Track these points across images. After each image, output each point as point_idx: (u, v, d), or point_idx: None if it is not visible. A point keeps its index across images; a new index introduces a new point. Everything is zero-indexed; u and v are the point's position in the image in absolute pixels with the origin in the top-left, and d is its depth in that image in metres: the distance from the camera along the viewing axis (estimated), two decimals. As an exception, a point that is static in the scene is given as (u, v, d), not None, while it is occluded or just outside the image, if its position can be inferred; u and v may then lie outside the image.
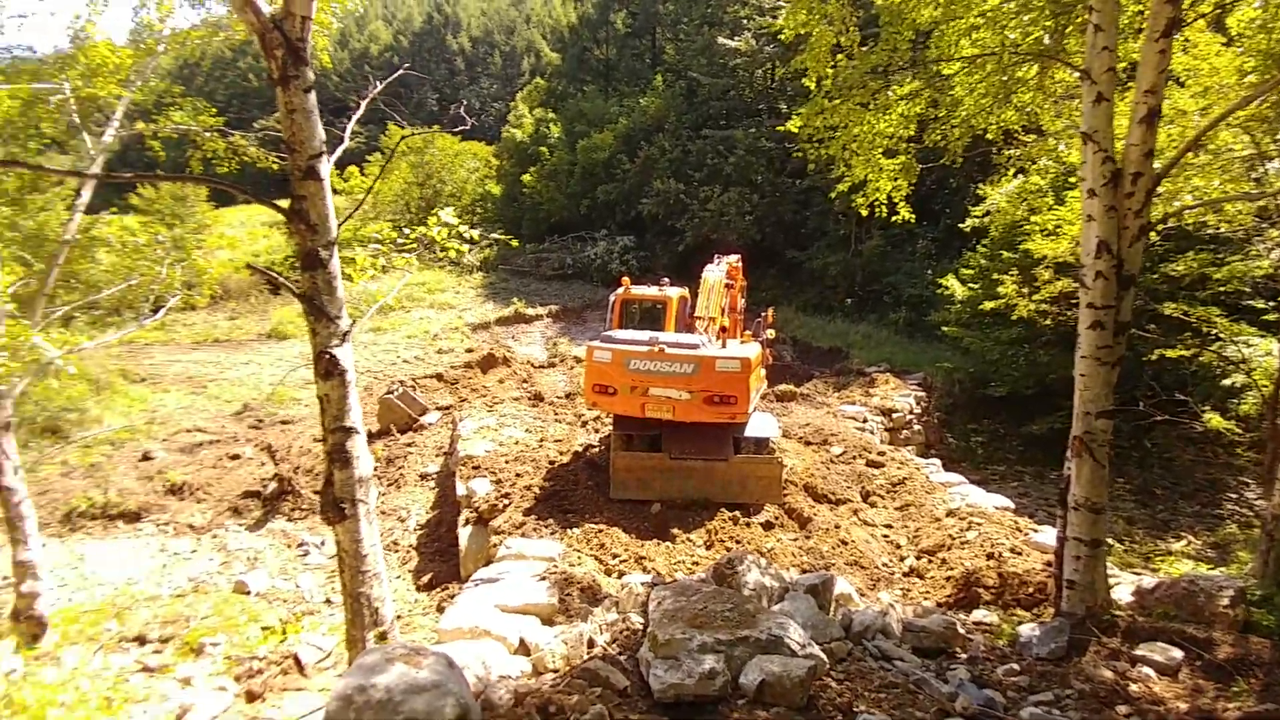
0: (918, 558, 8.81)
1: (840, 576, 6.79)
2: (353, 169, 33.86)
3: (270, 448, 13.68)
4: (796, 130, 6.94)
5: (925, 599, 7.57)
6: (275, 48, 3.61)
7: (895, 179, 7.36)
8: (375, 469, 13.99)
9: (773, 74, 28.93)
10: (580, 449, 11.36)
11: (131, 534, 11.80)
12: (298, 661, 6.00)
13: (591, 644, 4.53)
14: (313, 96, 3.82)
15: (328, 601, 9.86)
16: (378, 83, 4.97)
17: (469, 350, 20.31)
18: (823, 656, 3.94)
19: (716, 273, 10.74)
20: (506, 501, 9.56)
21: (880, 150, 7.18)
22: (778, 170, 26.41)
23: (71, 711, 5.31)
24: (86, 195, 8.09)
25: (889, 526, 9.76)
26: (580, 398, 15.30)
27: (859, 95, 6.64)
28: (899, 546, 9.19)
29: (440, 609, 8.33)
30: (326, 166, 3.92)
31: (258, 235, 35.75)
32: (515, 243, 6.57)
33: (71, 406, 14.82)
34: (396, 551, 10.78)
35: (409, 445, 14.06)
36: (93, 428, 14.36)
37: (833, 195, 9.74)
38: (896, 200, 7.54)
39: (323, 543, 11.70)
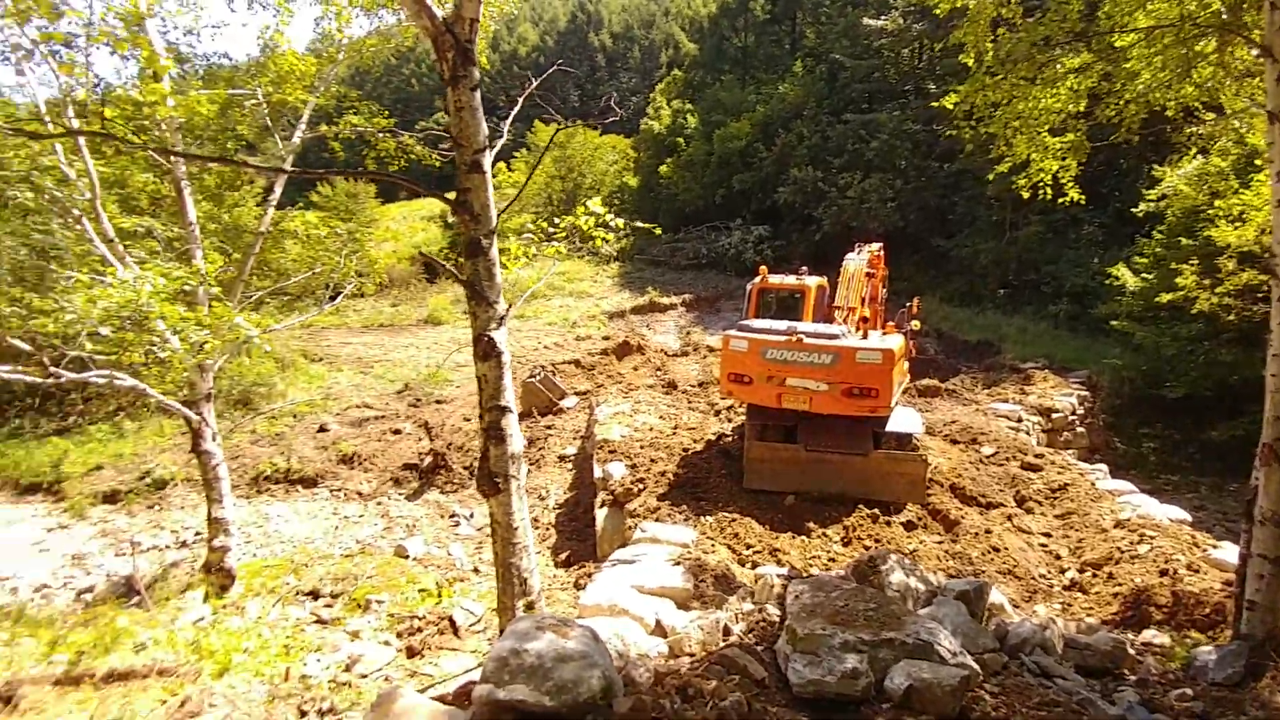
0: (1080, 570, 8.04)
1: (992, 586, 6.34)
2: (500, 165, 35.88)
3: (427, 425, 14.86)
4: (952, 108, 6.49)
5: (1088, 615, 6.92)
6: (447, 49, 3.88)
7: (1062, 158, 6.75)
8: (517, 449, 14.96)
9: (921, 53, 27.19)
10: (714, 437, 11.37)
11: (308, 498, 13.28)
12: (452, 623, 6.49)
13: (727, 632, 4.53)
14: (478, 95, 4.07)
15: (475, 570, 10.56)
16: (533, 79, 5.19)
17: (605, 338, 20.90)
18: (975, 667, 3.69)
19: (858, 261, 10.29)
20: (641, 486, 9.77)
21: (1046, 127, 6.61)
22: (924, 154, 24.83)
23: (254, 657, 6.06)
24: (278, 191, 9.17)
25: (1047, 535, 8.96)
26: (713, 386, 15.30)
27: (1024, 69, 6.12)
28: (1058, 557, 8.43)
29: (577, 585, 8.68)
30: (489, 160, 4.17)
31: (416, 229, 38.80)
32: (659, 231, 6.72)
33: (260, 382, 16.92)
34: (537, 528, 11.35)
35: (549, 428, 14.72)
36: (277, 401, 16.30)
37: (990, 178, 9.00)
38: (1063, 181, 6.92)
39: (471, 515, 12.58)
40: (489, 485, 4.40)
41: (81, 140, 6.48)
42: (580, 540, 10.55)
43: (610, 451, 11.14)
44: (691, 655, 4.34)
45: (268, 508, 12.63)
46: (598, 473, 10.77)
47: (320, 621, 7.36)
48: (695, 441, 11.28)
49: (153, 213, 8.60)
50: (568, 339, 21.61)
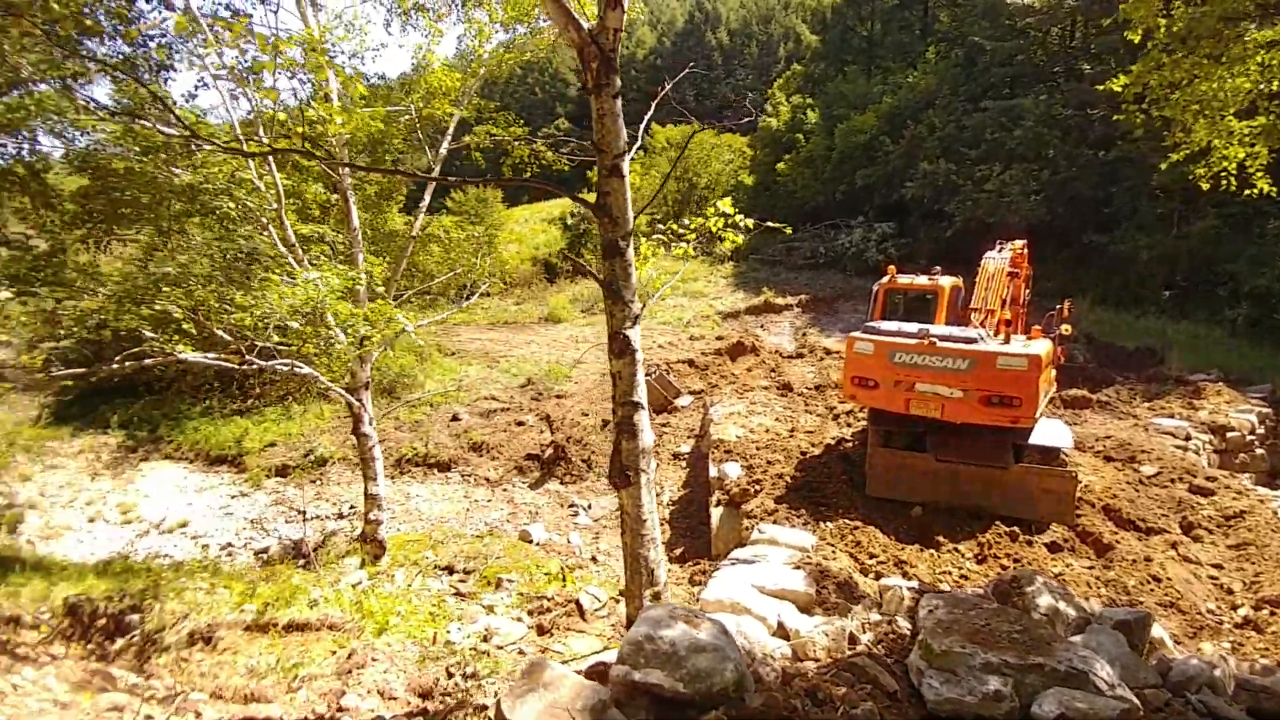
0: (1256, 608, 7.17)
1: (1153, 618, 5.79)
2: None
3: (548, 418, 15.51)
4: (1121, 90, 5.96)
5: (1263, 656, 6.16)
6: (592, 59, 4.08)
7: (1251, 144, 6.00)
8: (634, 444, 15.29)
9: (1073, 31, 24.95)
10: (832, 442, 11.09)
11: (443, 481, 14.26)
12: (579, 607, 6.79)
13: (854, 640, 4.46)
14: (619, 102, 4.24)
15: (593, 559, 10.94)
16: (666, 81, 5.32)
17: (719, 338, 20.87)
18: (1135, 701, 3.42)
19: (999, 260, 9.66)
20: (758, 487, 9.72)
21: (1232, 110, 5.89)
22: (1076, 141, 22.78)
23: (405, 620, 6.62)
24: (427, 199, 9.94)
25: (1218, 567, 8.04)
26: (831, 390, 14.90)
27: (1207, 46, 5.51)
28: (1231, 592, 7.55)
29: (692, 581, 8.79)
30: (627, 164, 4.34)
31: (537, 231, 40.47)
32: (789, 230, 6.59)
33: (403, 374, 18.33)
34: (652, 523, 11.58)
35: (664, 426, 14.93)
36: (417, 391, 17.58)
37: (1162, 166, 8.16)
38: (1251, 170, 6.15)
39: (589, 506, 13.03)
40: (620, 478, 4.57)
41: (269, 156, 7.38)
42: (694, 537, 10.65)
43: (726, 451, 11.15)
44: (816, 660, 4.31)
45: (408, 487, 13.69)
46: (713, 472, 10.81)
47: (459, 594, 7.92)
48: (813, 445, 11.06)
49: (320, 220, 9.58)
50: (681, 338, 21.77)
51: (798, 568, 6.34)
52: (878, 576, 6.81)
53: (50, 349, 10.71)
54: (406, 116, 9.12)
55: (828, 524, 8.05)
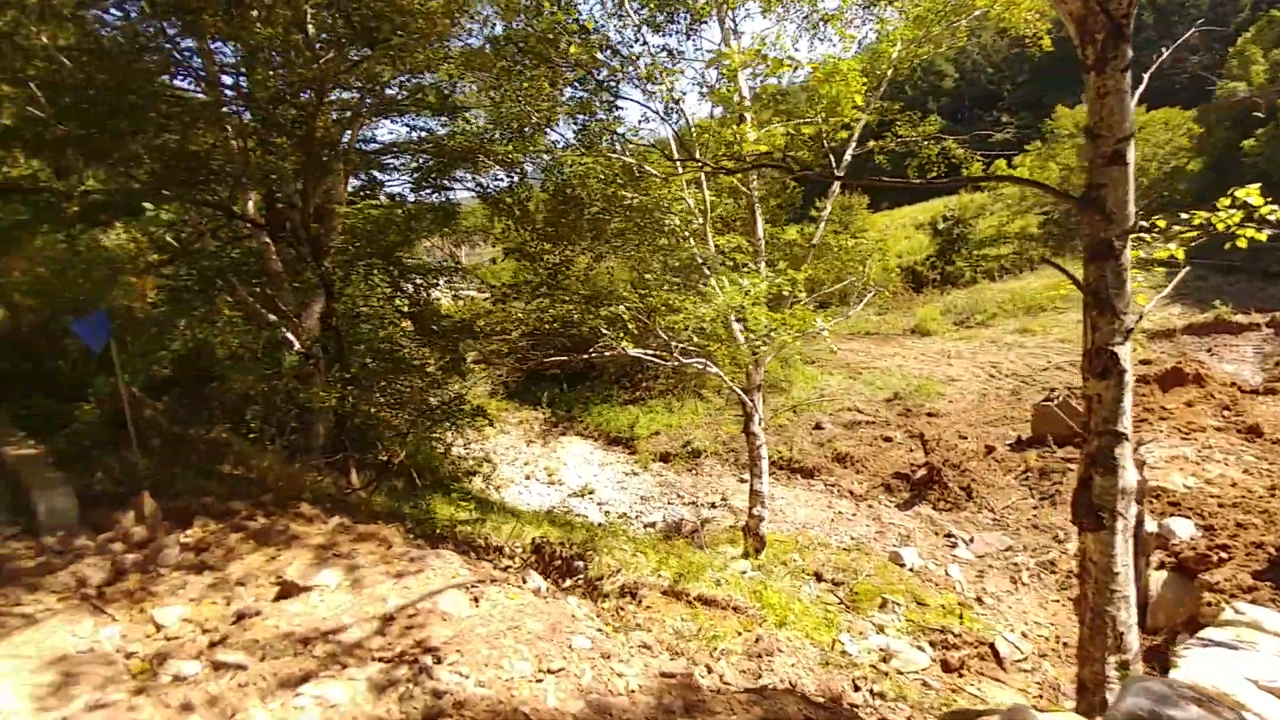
0: None
1: None
2: (999, 162, 32.50)
3: (923, 437, 14.47)
4: None
5: None
6: (1097, 30, 3.54)
7: None
8: (1027, 479, 13.32)
9: None
10: (1352, 513, 8.11)
11: (805, 487, 14.33)
12: (994, 652, 6.11)
13: None
14: (1128, 77, 3.61)
15: (979, 600, 9.83)
16: (1164, 49, 4.41)
17: (1144, 361, 17.01)
18: None
19: None
20: (1224, 555, 7.61)
21: None
22: None
23: (799, 619, 6.72)
24: (828, 209, 10.10)
25: None
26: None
27: None
28: None
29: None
30: (1132, 151, 3.68)
31: (899, 237, 38.34)
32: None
33: (772, 380, 18.97)
34: (1054, 573, 9.94)
35: (1067, 460, 12.74)
36: (782, 397, 18.02)
37: None
38: None
39: (970, 540, 11.78)
40: (1089, 519, 3.92)
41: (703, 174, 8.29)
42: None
43: (1170, 504, 8.98)
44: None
45: (772, 489, 14.11)
46: (1150, 525, 8.76)
47: (844, 605, 7.81)
48: (1315, 512, 8.22)
49: (722, 231, 10.41)
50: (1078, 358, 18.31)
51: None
52: None
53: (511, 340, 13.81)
54: (813, 129, 9.30)
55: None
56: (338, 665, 2.95)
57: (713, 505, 13.37)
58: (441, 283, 10.85)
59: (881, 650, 6.01)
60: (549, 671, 3.14)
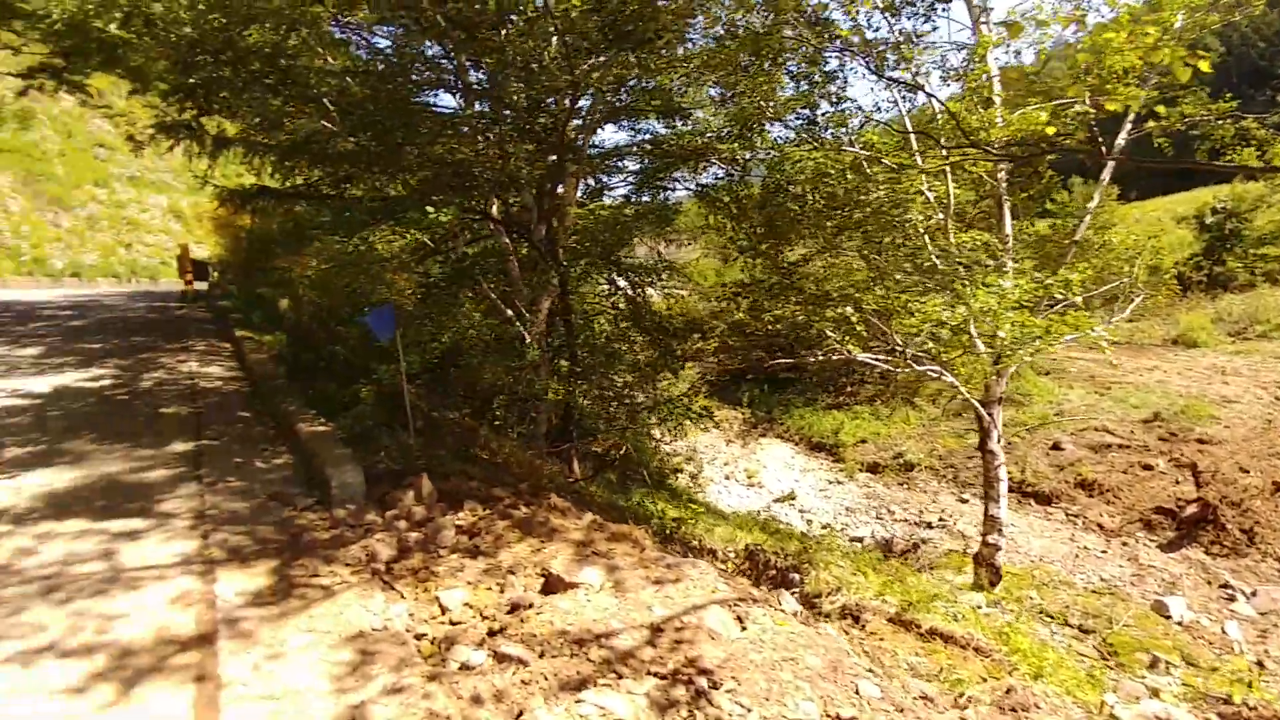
0: None
1: None
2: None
3: (1194, 467, 12.20)
4: None
5: None
6: None
7: None
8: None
9: None
10: None
11: (1041, 515, 12.69)
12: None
13: None
14: None
15: (1260, 664, 8.08)
16: None
17: None
18: None
19: None
20: None
21: None
22: None
23: (1054, 670, 5.87)
24: (1097, 197, 8.83)
25: None
26: None
27: None
28: None
29: None
30: None
31: (1152, 230, 32.68)
32: None
33: (1006, 392, 17.06)
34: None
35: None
36: (1013, 411, 16.12)
37: None
38: None
39: (1253, 593, 9.74)
40: None
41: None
42: None
43: None
44: None
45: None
46: None
47: (1103, 659, 6.76)
48: None
49: (963, 228, 9.48)
50: None
51: None
52: None
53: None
54: (1075, 110, 8.11)
55: None
56: (613, 674, 2.97)
57: (929, 525, 12.33)
58: (655, 281, 11.13)
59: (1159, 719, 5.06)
60: (838, 719, 2.95)
